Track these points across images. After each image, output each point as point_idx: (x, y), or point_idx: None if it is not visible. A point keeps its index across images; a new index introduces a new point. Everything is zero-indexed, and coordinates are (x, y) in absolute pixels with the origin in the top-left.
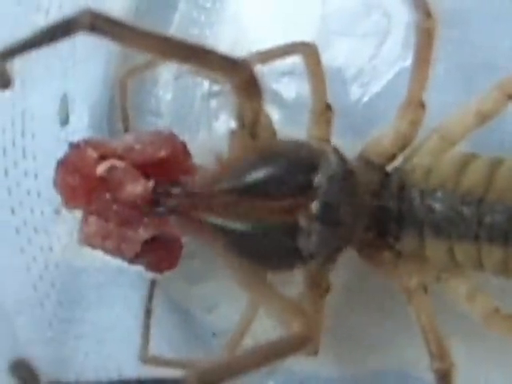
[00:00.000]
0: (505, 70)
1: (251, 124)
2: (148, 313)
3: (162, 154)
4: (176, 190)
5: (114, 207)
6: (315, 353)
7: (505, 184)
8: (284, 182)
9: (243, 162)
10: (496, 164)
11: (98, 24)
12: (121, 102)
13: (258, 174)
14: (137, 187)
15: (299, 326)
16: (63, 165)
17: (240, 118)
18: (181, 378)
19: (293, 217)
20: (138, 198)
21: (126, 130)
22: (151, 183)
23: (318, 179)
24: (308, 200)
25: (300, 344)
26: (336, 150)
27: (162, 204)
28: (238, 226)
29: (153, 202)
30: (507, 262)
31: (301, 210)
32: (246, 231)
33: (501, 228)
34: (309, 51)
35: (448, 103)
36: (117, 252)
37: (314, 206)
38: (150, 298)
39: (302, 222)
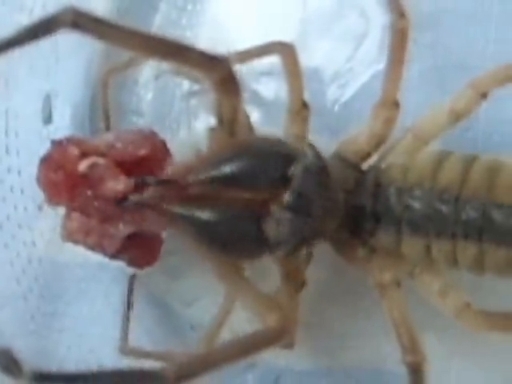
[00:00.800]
0: (477, 71)
1: (230, 121)
2: (128, 305)
3: (143, 152)
4: (150, 179)
5: (96, 204)
6: (291, 345)
7: (478, 181)
8: (259, 174)
9: (219, 154)
10: (470, 161)
11: (80, 21)
12: (102, 100)
13: (233, 166)
14: (117, 184)
15: (275, 319)
16: (46, 162)
17: (219, 115)
18: (159, 370)
19: (265, 206)
20: (118, 194)
21: (107, 128)
22: (131, 181)
23: (293, 171)
24: (282, 190)
25: (276, 337)
26: (312, 146)
27: (132, 197)
28: (203, 214)
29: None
30: (481, 258)
31: (274, 199)
32: (210, 219)
33: (475, 225)
34: (287, 51)
35: (422, 103)
36: (98, 248)
37: (287, 196)
38: (130, 290)
39: (273, 209)
